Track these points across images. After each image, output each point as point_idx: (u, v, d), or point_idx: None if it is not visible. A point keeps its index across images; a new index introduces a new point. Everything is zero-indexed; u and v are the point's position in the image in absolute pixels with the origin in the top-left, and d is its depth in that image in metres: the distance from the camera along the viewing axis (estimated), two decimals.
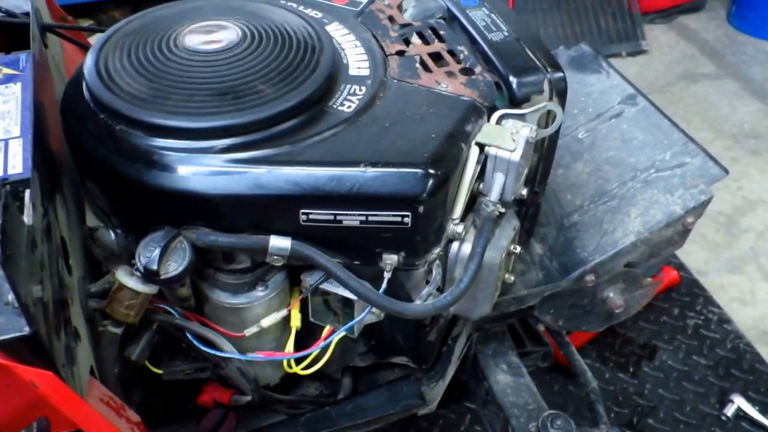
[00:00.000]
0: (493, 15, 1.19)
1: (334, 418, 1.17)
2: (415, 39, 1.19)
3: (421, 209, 0.94)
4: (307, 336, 1.13)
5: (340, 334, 1.07)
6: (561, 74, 1.09)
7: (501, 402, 1.37)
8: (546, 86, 1.07)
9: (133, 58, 1.01)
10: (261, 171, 0.94)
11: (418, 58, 1.13)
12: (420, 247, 1.00)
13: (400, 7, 1.27)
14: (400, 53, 1.15)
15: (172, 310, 1.05)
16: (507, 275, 1.16)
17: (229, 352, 1.06)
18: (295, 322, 1.10)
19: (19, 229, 0.74)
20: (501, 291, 1.28)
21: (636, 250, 1.30)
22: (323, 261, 0.97)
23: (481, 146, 1.00)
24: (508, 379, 1.41)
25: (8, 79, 1.07)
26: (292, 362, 1.10)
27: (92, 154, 0.98)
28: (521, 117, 1.04)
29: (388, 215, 0.95)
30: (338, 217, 0.96)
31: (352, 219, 0.96)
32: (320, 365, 1.11)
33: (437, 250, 1.03)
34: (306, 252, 0.97)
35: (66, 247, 0.98)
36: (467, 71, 1.11)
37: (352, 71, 1.09)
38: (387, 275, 1.01)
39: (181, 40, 1.03)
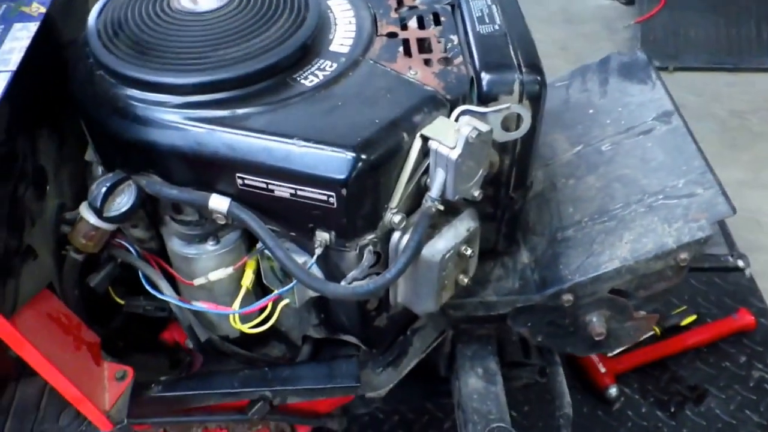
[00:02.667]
0: (493, 7, 1.15)
1: (269, 379, 1.22)
2: (413, 22, 1.18)
3: (344, 192, 0.95)
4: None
5: (272, 297, 1.10)
6: (536, 77, 1.04)
7: (464, 406, 1.35)
8: (516, 87, 1.03)
9: (127, 14, 1.09)
10: (203, 131, 0.99)
11: (402, 43, 1.13)
12: (348, 229, 1.01)
13: None
14: (391, 35, 1.15)
15: (131, 248, 1.14)
16: (461, 276, 1.14)
17: (168, 295, 1.13)
18: (246, 281, 1.14)
19: None
20: (466, 293, 1.26)
21: (620, 277, 1.22)
22: (255, 225, 1.01)
23: (425, 138, 0.99)
24: (479, 385, 1.39)
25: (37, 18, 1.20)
26: (237, 319, 1.15)
27: (78, 95, 1.08)
28: (482, 115, 1.01)
29: (315, 192, 0.97)
30: (270, 187, 0.99)
31: (282, 190, 0.99)
32: (263, 328, 1.16)
33: (370, 236, 1.03)
34: (241, 215, 1.01)
35: (43, 175, 1.08)
36: (446, 61, 1.09)
37: (333, 47, 1.11)
38: (317, 251, 1.03)
39: (172, 1, 1.10)
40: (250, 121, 0.99)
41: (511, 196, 1.18)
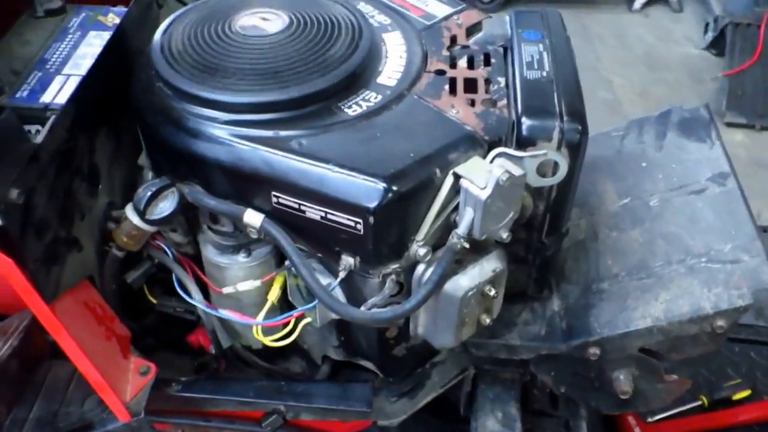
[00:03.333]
0: (545, 53, 1.16)
1: (283, 393, 1.24)
2: (463, 62, 1.20)
3: (371, 219, 0.97)
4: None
5: (295, 314, 1.13)
6: (576, 126, 1.04)
7: None
8: (555, 134, 1.03)
9: (190, 32, 1.15)
10: (246, 148, 1.03)
11: (449, 80, 1.14)
12: (373, 256, 1.02)
13: (470, 29, 1.28)
14: (439, 72, 1.17)
15: (168, 251, 1.19)
16: (483, 316, 1.14)
17: (196, 300, 1.17)
18: (272, 295, 1.18)
19: (14, 142, 0.91)
20: (490, 334, 1.26)
21: (651, 336, 1.19)
22: (284, 242, 1.04)
23: (458, 176, 1.00)
24: (496, 428, 1.37)
25: (111, 28, 1.29)
26: (260, 331, 1.18)
27: (138, 102, 1.14)
28: (518, 159, 1.02)
29: (344, 218, 0.99)
30: (302, 207, 1.02)
31: (313, 212, 1.02)
32: (283, 342, 1.18)
33: (394, 266, 1.04)
34: (273, 232, 1.05)
35: (97, 173, 1.15)
36: (489, 102, 1.10)
37: (380, 79, 1.14)
38: (341, 274, 1.05)
39: (234, 23, 1.15)
40: (291, 143, 1.02)
41: (543, 241, 1.17)
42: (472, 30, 1.29)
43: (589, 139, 1.61)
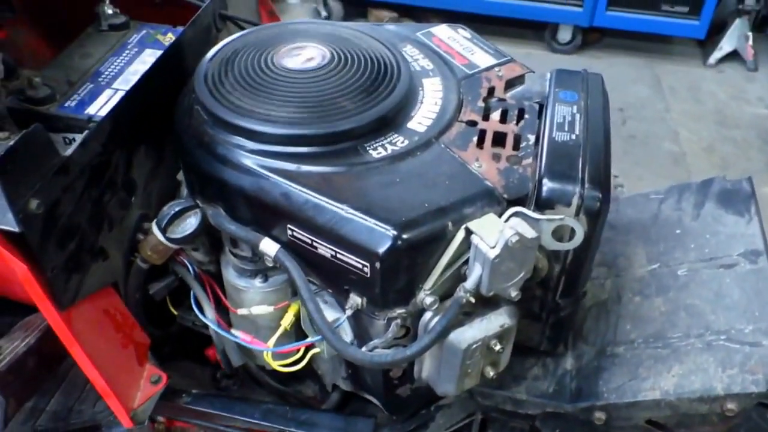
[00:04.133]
0: (577, 115, 1.15)
1: (288, 419, 1.26)
2: (496, 115, 1.20)
3: (378, 265, 0.99)
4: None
5: (304, 344, 1.16)
6: (597, 194, 1.03)
7: None
8: (575, 200, 1.03)
9: (233, 60, 1.19)
10: (268, 179, 1.06)
11: (478, 132, 1.15)
12: (379, 299, 1.04)
13: (511, 81, 1.29)
14: (471, 123, 1.18)
15: (190, 268, 1.23)
16: (488, 368, 1.14)
17: (209, 318, 1.21)
18: (286, 322, 1.20)
19: (41, 154, 0.96)
20: (498, 385, 1.26)
21: (659, 409, 1.16)
22: (295, 274, 1.07)
23: (470, 231, 1.00)
24: None
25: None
26: (270, 356, 1.21)
27: (177, 123, 1.19)
28: (534, 221, 1.02)
29: (353, 259, 1.01)
30: (314, 243, 1.05)
31: (324, 250, 1.04)
32: (291, 369, 1.21)
33: (400, 311, 1.05)
34: (286, 263, 1.08)
35: (132, 187, 1.20)
36: (515, 159, 1.11)
37: (411, 124, 1.15)
38: (347, 312, 1.07)
39: (276, 55, 1.19)
40: (311, 179, 1.05)
41: (558, 301, 1.16)
42: (512, 83, 1.29)
43: (627, 199, 1.61)
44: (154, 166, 1.26)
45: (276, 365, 1.23)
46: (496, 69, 1.31)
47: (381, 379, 1.20)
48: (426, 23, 1.45)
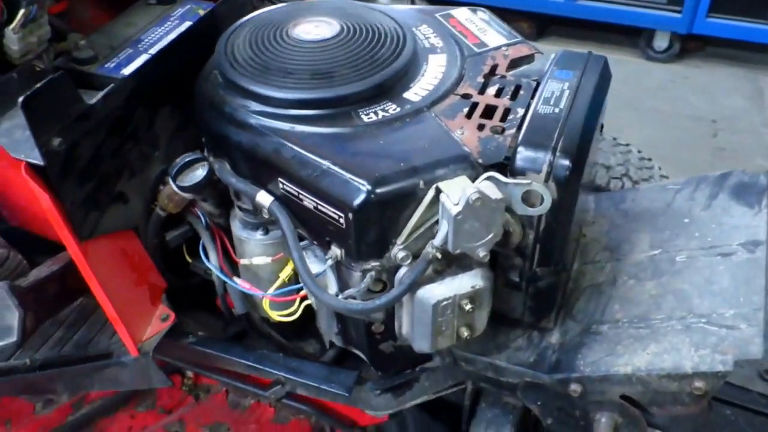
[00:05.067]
0: (567, 91, 1.19)
1: (279, 364, 1.35)
2: (492, 90, 1.25)
3: (350, 216, 1.06)
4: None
5: (295, 295, 1.25)
6: (566, 163, 1.07)
7: None
8: (545, 167, 1.07)
9: (252, 30, 1.30)
10: (264, 136, 1.16)
11: (470, 105, 1.21)
12: (355, 251, 1.12)
13: (516, 61, 1.33)
14: (465, 96, 1.24)
15: (202, 218, 1.35)
16: (462, 329, 1.19)
17: (212, 264, 1.32)
18: (284, 274, 1.30)
19: (65, 99, 1.09)
20: (481, 351, 1.30)
21: (630, 384, 1.18)
22: (284, 224, 1.16)
23: (439, 191, 1.06)
24: None
25: None
26: (268, 305, 1.31)
27: (198, 85, 1.31)
28: (503, 185, 1.07)
29: (331, 210, 1.10)
30: (300, 196, 1.14)
31: (308, 202, 1.13)
32: (287, 318, 1.30)
33: (374, 263, 1.13)
34: (278, 214, 1.17)
35: (155, 142, 1.33)
36: (497, 129, 1.16)
37: (406, 94, 1.23)
38: (328, 263, 1.15)
39: (289, 28, 1.28)
40: (302, 138, 1.14)
41: (536, 270, 1.20)
42: (518, 63, 1.34)
43: (646, 189, 1.61)
44: (179, 127, 1.38)
45: (274, 315, 1.32)
46: (504, 49, 1.36)
47: (364, 333, 1.27)
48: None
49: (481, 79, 1.28)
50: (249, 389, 1.42)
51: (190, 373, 1.90)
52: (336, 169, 1.08)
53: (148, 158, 1.32)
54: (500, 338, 1.33)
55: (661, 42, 4.24)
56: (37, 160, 1.08)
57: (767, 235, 1.30)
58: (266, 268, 1.32)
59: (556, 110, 1.15)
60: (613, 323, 1.28)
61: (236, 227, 1.32)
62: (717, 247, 1.33)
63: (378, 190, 1.05)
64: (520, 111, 1.20)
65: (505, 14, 5.02)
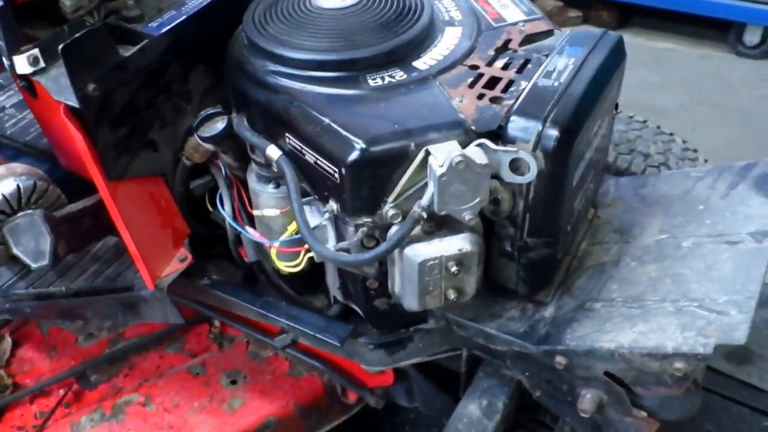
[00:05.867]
0: (570, 67, 1.20)
1: (281, 311, 1.43)
2: (500, 63, 1.28)
3: (344, 172, 1.13)
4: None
5: (299, 247, 1.32)
6: (555, 134, 1.09)
7: (451, 424, 1.43)
8: (533, 137, 1.10)
9: (275, 2, 1.37)
10: (276, 94, 1.23)
11: (475, 75, 1.24)
12: (348, 206, 1.18)
13: (532, 36, 1.35)
14: (473, 67, 1.27)
15: (222, 169, 1.44)
16: (450, 291, 1.22)
17: (225, 211, 1.41)
18: (292, 227, 1.37)
19: (102, 49, 1.20)
20: (473, 317, 1.34)
21: (613, 361, 1.19)
22: (288, 177, 1.23)
23: (429, 153, 1.11)
24: (476, 414, 1.44)
25: None
26: (274, 254, 1.39)
27: (229, 48, 1.40)
28: (492, 152, 1.10)
29: (327, 165, 1.16)
30: (303, 150, 1.21)
31: (309, 156, 1.20)
32: (293, 270, 1.38)
33: (366, 220, 1.18)
34: (284, 166, 1.24)
35: (187, 97, 1.43)
36: (496, 99, 1.19)
37: (416, 63, 1.27)
38: (326, 215, 1.22)
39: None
40: (310, 97, 1.21)
41: (527, 240, 1.22)
42: (533, 38, 1.35)
43: (668, 175, 1.60)
44: (211, 86, 1.47)
45: (282, 266, 1.41)
46: (521, 24, 1.38)
47: (360, 288, 1.33)
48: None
49: (492, 52, 1.30)
50: (260, 337, 1.51)
51: (217, 323, 2.01)
52: (335, 126, 1.14)
53: (180, 111, 1.42)
54: (495, 307, 1.37)
55: (752, 37, 4.03)
56: (74, 103, 1.20)
57: None
58: (276, 220, 1.39)
59: (556, 84, 1.17)
60: (608, 302, 1.29)
61: (251, 180, 1.41)
62: (725, 235, 1.31)
63: (371, 149, 1.11)
64: (524, 84, 1.22)
65: (585, 2, 4.91)
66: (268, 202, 1.39)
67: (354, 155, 1.11)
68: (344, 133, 1.13)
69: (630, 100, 4.08)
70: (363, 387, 1.77)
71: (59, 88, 1.23)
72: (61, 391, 1.97)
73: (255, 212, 1.41)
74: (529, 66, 1.26)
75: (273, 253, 1.40)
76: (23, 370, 2.06)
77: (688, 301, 1.20)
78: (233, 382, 1.95)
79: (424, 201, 1.12)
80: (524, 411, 1.56)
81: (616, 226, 1.49)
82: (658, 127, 2.07)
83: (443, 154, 1.08)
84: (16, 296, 1.58)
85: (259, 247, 1.49)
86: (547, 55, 1.28)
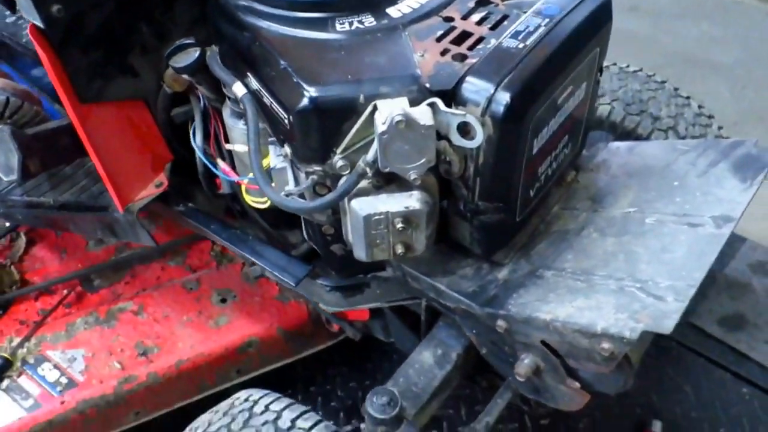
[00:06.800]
0: (542, 27, 1.15)
1: (245, 244, 1.48)
2: (476, 17, 1.24)
3: (291, 118, 1.13)
4: None
5: (244, 180, 1.35)
6: (505, 99, 1.06)
7: (403, 368, 1.46)
8: (483, 101, 1.07)
9: None
10: (243, 31, 1.23)
11: (447, 28, 1.20)
12: (299, 152, 1.18)
13: None
14: (447, 19, 1.23)
15: (201, 100, 1.46)
16: (398, 246, 1.23)
17: (196, 140, 1.43)
18: (264, 163, 1.39)
19: None
20: (427, 272, 1.35)
21: (548, 332, 1.19)
22: (250, 115, 1.23)
23: (375, 108, 1.10)
24: (428, 361, 1.46)
25: None
26: (244, 190, 1.42)
27: None
28: (442, 113, 1.09)
29: (280, 110, 1.17)
30: (261, 92, 1.21)
31: (267, 99, 1.20)
32: (258, 206, 1.42)
33: (317, 168, 1.19)
34: (246, 104, 1.25)
35: (171, 25, 1.43)
36: (458, 57, 1.15)
37: (389, 10, 1.24)
38: (280, 158, 1.24)
39: None
40: (273, 36, 1.20)
41: (478, 204, 1.22)
42: None
43: (656, 144, 1.55)
44: (196, 19, 1.45)
45: (250, 201, 1.44)
46: None
47: (318, 233, 1.35)
48: None
49: (471, 4, 1.26)
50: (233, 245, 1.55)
51: (217, 246, 2.07)
52: (290, 70, 1.14)
53: (164, 39, 1.42)
54: (451, 264, 1.37)
55: None
56: (39, 22, 1.21)
57: (742, 213, 1.23)
58: (247, 156, 1.41)
59: (521, 46, 1.13)
60: (559, 271, 1.28)
61: (226, 114, 1.42)
62: (689, 216, 1.28)
63: (319, 98, 1.10)
64: (493, 42, 1.18)
65: None
66: (239, 138, 1.41)
67: (302, 104, 1.11)
68: (296, 79, 1.12)
69: (685, 52, 3.88)
70: (343, 318, 1.82)
71: (29, 6, 1.25)
72: (65, 292, 2.09)
73: (227, 146, 1.43)
74: (505, 23, 1.22)
75: (243, 187, 1.43)
76: (34, 268, 2.18)
77: (633, 281, 1.18)
78: (223, 301, 2.03)
79: (369, 156, 1.11)
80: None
81: (591, 193, 1.46)
82: (676, 90, 1.98)
83: (387, 110, 1.07)
84: (11, 202, 1.67)
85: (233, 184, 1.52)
86: (525, 11, 1.23)
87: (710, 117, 1.94)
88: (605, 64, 2.09)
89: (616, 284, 1.19)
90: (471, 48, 1.17)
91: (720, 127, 1.94)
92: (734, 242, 2.63)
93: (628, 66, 2.10)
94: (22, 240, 2.24)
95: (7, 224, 2.19)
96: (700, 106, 1.94)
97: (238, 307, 2.01)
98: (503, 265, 1.35)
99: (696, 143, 1.46)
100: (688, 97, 1.95)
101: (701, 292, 2.47)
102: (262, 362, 1.99)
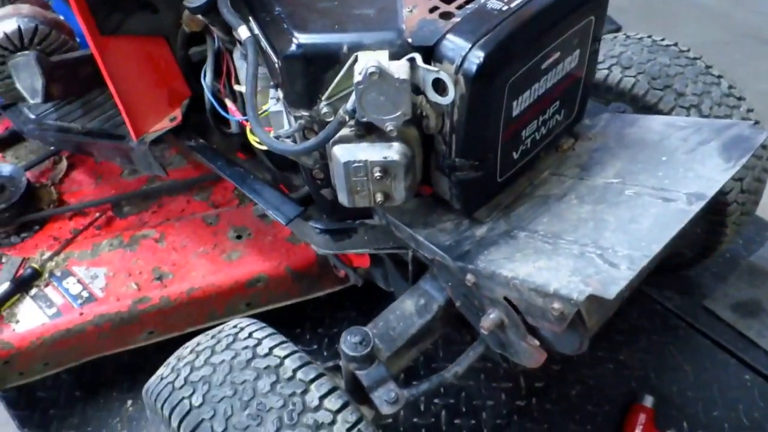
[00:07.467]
0: None
1: (245, 183, 1.56)
2: None
3: (279, 64, 1.20)
4: None
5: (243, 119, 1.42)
6: (479, 58, 1.09)
7: (385, 313, 1.54)
8: (458, 59, 1.11)
9: None
10: None
11: None
12: (288, 96, 1.25)
13: None
14: None
15: (216, 41, 1.53)
16: (377, 194, 1.29)
17: (205, 79, 1.51)
18: (267, 106, 1.47)
19: None
20: (409, 222, 1.41)
21: (508, 289, 1.24)
22: (249, 59, 1.29)
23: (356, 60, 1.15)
24: (410, 309, 1.53)
25: None
26: (248, 130, 1.50)
27: None
28: (418, 69, 1.13)
29: (272, 55, 1.23)
30: (259, 36, 1.27)
31: (264, 45, 1.27)
32: (260, 147, 1.49)
33: (303, 113, 1.25)
34: (248, 48, 1.31)
35: None
36: (445, 15, 1.19)
37: None
38: (273, 101, 1.31)
39: None
40: None
41: (455, 160, 1.26)
42: None
43: (655, 119, 1.55)
44: None
45: (253, 141, 1.52)
46: None
47: (309, 176, 1.43)
48: None
49: None
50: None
51: None
52: (282, 16, 1.20)
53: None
54: (432, 216, 1.43)
55: None
56: None
57: (716, 192, 1.24)
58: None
59: (505, 8, 1.16)
60: (532, 233, 1.32)
61: (236, 56, 1.50)
62: (666, 191, 1.29)
63: (304, 46, 1.16)
64: (482, 1, 1.21)
65: None
66: (245, 79, 1.48)
67: (289, 50, 1.17)
68: (286, 25, 1.19)
69: (759, 29, 3.69)
70: (348, 264, 1.90)
71: None
72: (97, 214, 2.24)
73: (236, 87, 1.51)
74: None
75: (248, 128, 1.51)
76: (71, 189, 2.34)
77: (595, 247, 1.21)
78: (238, 237, 2.14)
79: (349, 105, 1.17)
80: None
81: (582, 161, 1.48)
82: (708, 67, 1.93)
83: (365, 62, 1.12)
84: (46, 126, 1.80)
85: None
86: None
87: (740, 99, 1.89)
88: (638, 35, 2.08)
89: (579, 249, 1.23)
90: (460, 7, 1.20)
91: (750, 110, 1.89)
92: (763, 230, 2.60)
93: (663, 39, 2.07)
94: (64, 163, 2.40)
95: (51, 148, 2.35)
96: (730, 87, 1.90)
97: (252, 244, 2.12)
98: (483, 223, 1.40)
99: (695, 121, 1.45)
100: (719, 76, 1.91)
101: (720, 274, 2.47)
102: (270, 298, 2.10)
